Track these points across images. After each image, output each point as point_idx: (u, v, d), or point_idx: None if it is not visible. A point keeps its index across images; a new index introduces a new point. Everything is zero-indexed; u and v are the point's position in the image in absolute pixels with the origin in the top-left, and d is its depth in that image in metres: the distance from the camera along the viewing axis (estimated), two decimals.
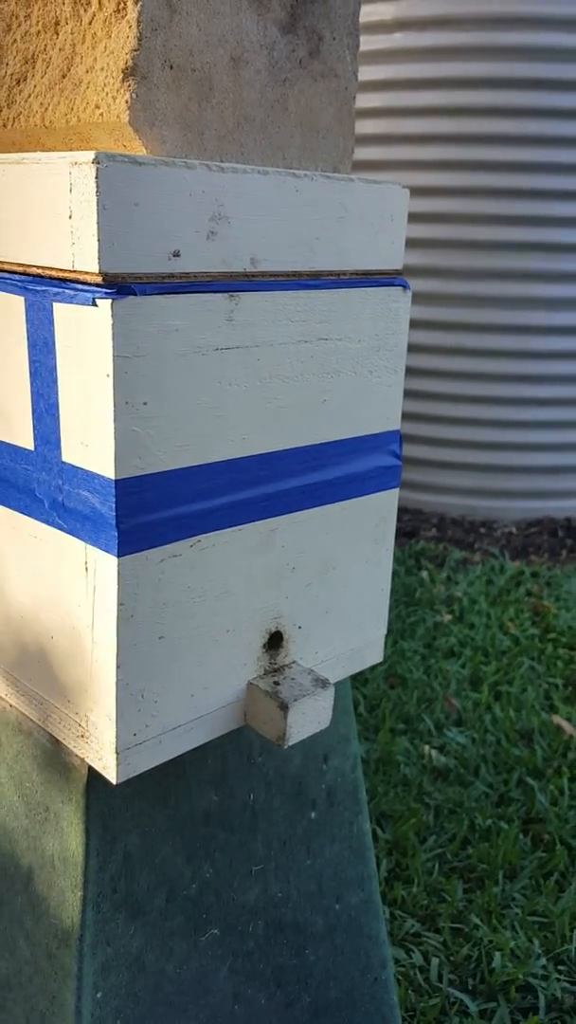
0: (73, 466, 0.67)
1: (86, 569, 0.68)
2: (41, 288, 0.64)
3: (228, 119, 0.70)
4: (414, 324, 2.84)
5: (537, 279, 2.87)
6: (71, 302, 0.62)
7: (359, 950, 0.99)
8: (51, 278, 0.64)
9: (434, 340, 2.92)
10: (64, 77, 0.68)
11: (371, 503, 0.85)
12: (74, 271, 0.62)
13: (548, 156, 2.73)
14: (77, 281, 0.62)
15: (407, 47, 2.73)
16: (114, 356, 0.61)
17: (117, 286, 0.61)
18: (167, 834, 0.80)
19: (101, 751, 0.71)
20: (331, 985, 0.96)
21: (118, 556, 0.65)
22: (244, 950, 0.88)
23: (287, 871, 0.91)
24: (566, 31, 2.62)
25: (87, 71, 0.66)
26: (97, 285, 0.61)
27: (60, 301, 0.63)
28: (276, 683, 0.78)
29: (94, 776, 0.74)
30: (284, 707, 0.75)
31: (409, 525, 3.05)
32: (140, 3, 0.63)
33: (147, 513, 0.66)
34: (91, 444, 0.65)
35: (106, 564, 0.66)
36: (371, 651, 0.90)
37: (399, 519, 3.08)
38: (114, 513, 0.64)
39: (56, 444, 0.67)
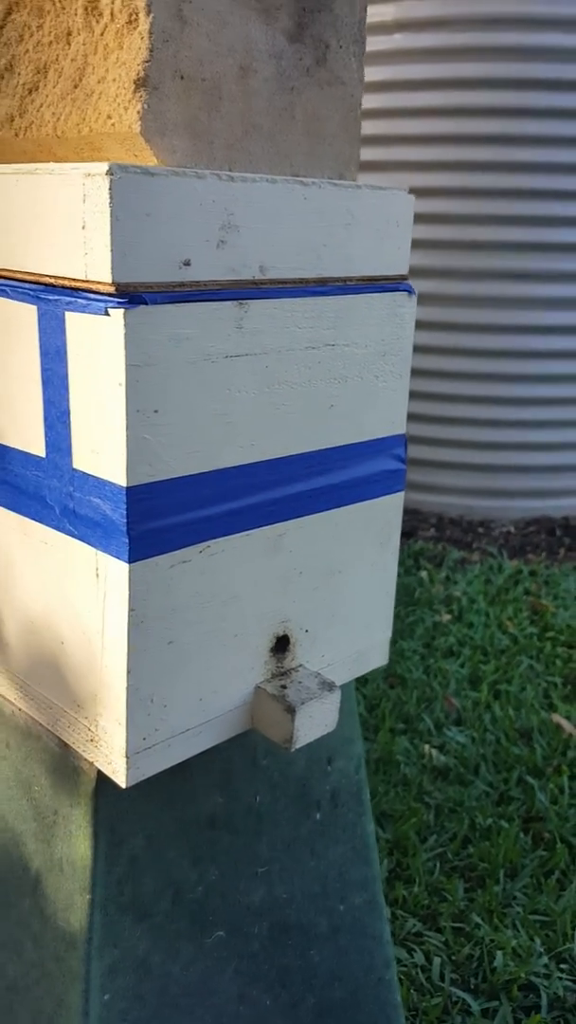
0: (84, 473, 0.67)
1: (96, 575, 0.68)
2: (53, 297, 0.65)
3: (236, 128, 0.71)
4: None
5: (535, 279, 2.87)
6: (83, 311, 0.63)
7: (363, 951, 1.00)
8: (63, 287, 0.65)
9: (432, 340, 2.93)
10: (76, 87, 0.69)
11: (376, 507, 0.85)
12: (87, 280, 0.62)
13: (547, 156, 2.73)
14: (89, 290, 0.63)
15: (406, 48, 2.73)
16: (126, 365, 0.62)
17: (129, 295, 0.61)
18: (173, 837, 0.80)
19: (111, 755, 0.71)
20: (335, 986, 0.97)
21: (129, 562, 0.66)
22: (249, 951, 0.88)
23: (291, 873, 0.91)
24: (564, 31, 2.63)
25: (99, 81, 0.67)
26: (109, 294, 0.61)
27: (72, 310, 0.64)
28: (283, 686, 0.79)
29: (102, 780, 0.75)
30: (291, 710, 0.76)
31: (407, 525, 3.06)
32: (152, 15, 0.63)
33: (157, 519, 0.67)
34: (102, 451, 0.65)
35: (117, 570, 0.67)
36: (376, 654, 0.91)
37: None
38: (125, 520, 0.65)
39: (67, 451, 0.68)
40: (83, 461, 0.67)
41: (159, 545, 0.68)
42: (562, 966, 1.44)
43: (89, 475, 0.67)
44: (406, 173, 2.85)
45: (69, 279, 0.64)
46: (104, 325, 0.62)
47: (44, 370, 0.68)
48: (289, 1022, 0.92)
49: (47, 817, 0.79)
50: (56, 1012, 0.78)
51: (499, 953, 1.43)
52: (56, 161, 0.73)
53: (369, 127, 2.82)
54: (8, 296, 0.69)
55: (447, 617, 2.49)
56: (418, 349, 2.90)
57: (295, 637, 0.81)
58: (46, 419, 0.69)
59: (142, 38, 0.64)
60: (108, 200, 0.59)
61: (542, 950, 1.46)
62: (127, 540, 0.65)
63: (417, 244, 2.82)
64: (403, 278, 0.82)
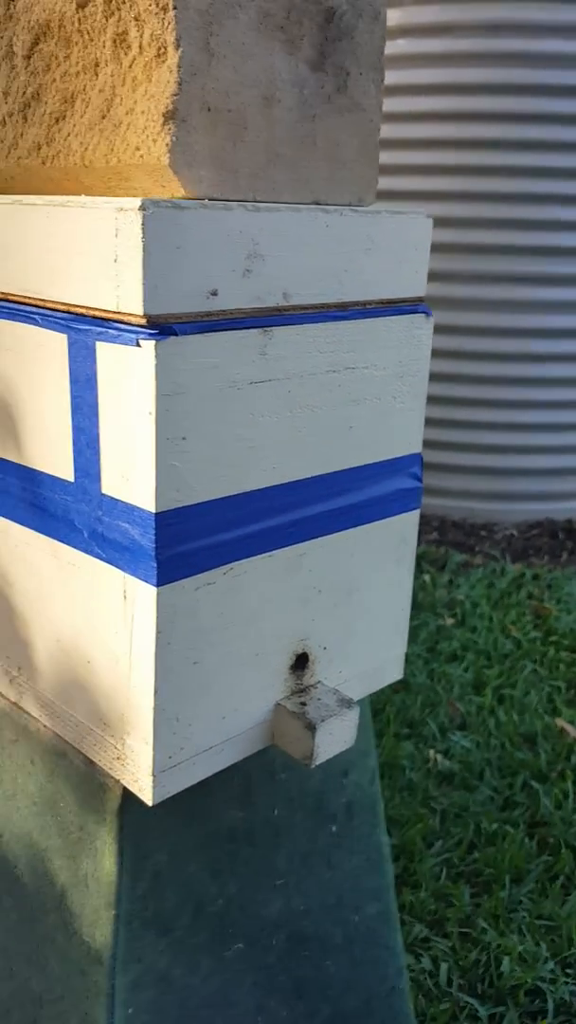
0: (113, 498, 0.68)
1: (124, 597, 0.70)
2: (84, 327, 0.66)
3: (260, 156, 0.72)
4: None
5: (538, 282, 2.89)
6: (114, 342, 0.64)
7: (376, 960, 1.01)
8: (94, 317, 0.66)
9: (434, 343, 2.94)
10: (104, 118, 0.70)
11: (393, 525, 0.87)
12: (118, 312, 0.63)
13: (550, 161, 2.75)
14: (120, 321, 0.64)
15: (410, 53, 2.74)
16: (156, 395, 0.63)
17: (160, 327, 0.63)
18: (194, 851, 0.82)
19: (137, 773, 0.72)
20: (349, 995, 0.99)
21: (156, 586, 0.67)
22: (266, 963, 0.90)
23: (308, 884, 0.93)
24: (567, 37, 2.64)
25: (127, 113, 0.68)
26: (140, 326, 0.63)
27: (103, 340, 0.65)
28: (303, 703, 0.80)
29: (127, 796, 0.76)
30: (311, 728, 0.77)
31: None
32: (181, 49, 0.64)
33: (184, 543, 0.68)
34: (131, 478, 0.66)
35: (144, 594, 0.68)
36: (392, 668, 0.92)
37: None
38: (153, 545, 0.66)
39: (96, 477, 0.69)
40: (112, 487, 0.68)
41: (185, 568, 0.69)
42: (568, 971, 1.46)
43: (118, 500, 0.68)
44: (408, 176, 2.87)
45: (100, 310, 0.65)
46: (135, 355, 0.63)
47: (74, 397, 0.69)
48: None
49: (72, 833, 0.80)
50: None
51: (505, 959, 1.45)
52: (83, 189, 0.74)
53: None
54: (38, 324, 0.70)
55: (450, 621, 2.51)
56: None
57: (314, 654, 0.82)
58: (75, 445, 0.70)
59: (171, 72, 0.65)
60: (140, 235, 0.60)
61: (548, 955, 1.47)
62: (155, 564, 0.67)
63: None
64: (420, 300, 0.83)
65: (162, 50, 0.65)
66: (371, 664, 0.89)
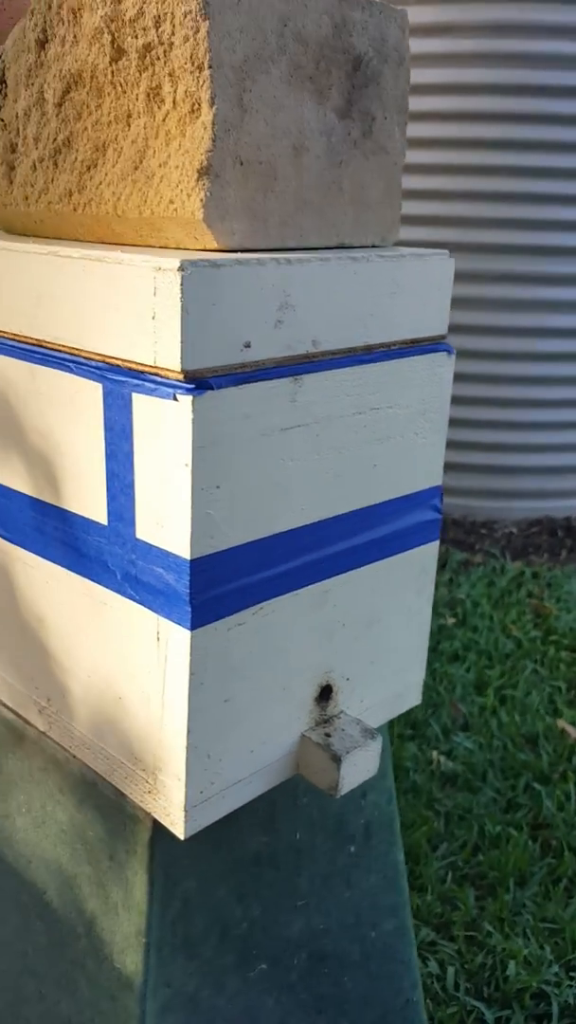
0: (147, 543, 0.70)
1: (157, 639, 0.71)
2: (120, 378, 0.68)
3: (289, 205, 0.73)
4: None
5: (538, 282, 2.90)
6: (151, 395, 0.65)
7: (392, 975, 1.03)
8: (130, 369, 0.67)
9: None
10: (136, 169, 0.71)
11: (414, 556, 0.88)
12: (155, 367, 0.65)
13: (551, 161, 2.75)
14: (157, 375, 0.65)
15: (412, 53, 2.74)
16: (193, 447, 0.64)
17: (196, 381, 0.64)
18: (221, 876, 0.84)
19: (169, 808, 0.74)
20: (366, 1010, 1.01)
21: (191, 630, 0.69)
22: (288, 981, 0.92)
23: (328, 904, 0.95)
24: (570, 39, 2.64)
25: (160, 165, 0.69)
26: (177, 381, 0.64)
27: (140, 392, 0.66)
28: (327, 734, 0.82)
29: (157, 826, 0.78)
30: (337, 759, 0.79)
31: None
32: (215, 107, 0.66)
33: (217, 587, 0.70)
34: (166, 525, 0.68)
35: (178, 636, 0.69)
36: (411, 694, 0.94)
37: None
38: (188, 590, 0.68)
39: (130, 521, 0.71)
40: (146, 532, 0.70)
41: (218, 611, 0.71)
42: (572, 974, 1.48)
43: (152, 546, 0.70)
44: (409, 175, 2.87)
45: (137, 363, 0.66)
46: (171, 409, 0.64)
47: (108, 444, 0.70)
48: None
49: (101, 862, 0.82)
50: None
51: (511, 962, 1.47)
52: (114, 236, 0.76)
53: None
54: (72, 372, 0.71)
55: (451, 621, 2.53)
56: None
57: (337, 685, 0.84)
58: (109, 490, 0.72)
59: (205, 128, 0.66)
60: (179, 295, 0.61)
61: (552, 958, 1.50)
62: (189, 609, 0.68)
63: (419, 245, 2.84)
64: (442, 338, 0.85)
65: (196, 106, 0.66)
66: (391, 691, 0.91)
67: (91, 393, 0.71)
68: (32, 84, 0.77)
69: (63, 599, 0.79)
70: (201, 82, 0.65)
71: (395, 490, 0.84)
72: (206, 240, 0.69)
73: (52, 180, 0.77)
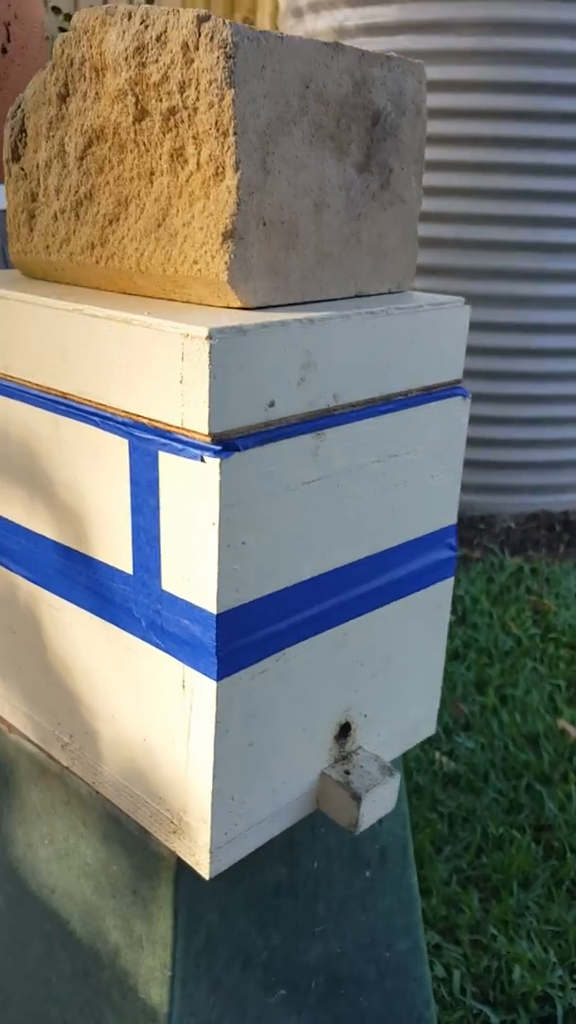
0: (173, 595, 0.71)
1: (183, 687, 0.73)
2: (147, 436, 0.69)
3: (309, 259, 0.74)
4: None
5: (535, 278, 2.91)
6: (178, 454, 0.67)
7: (406, 992, 1.06)
8: (157, 428, 0.68)
9: None
10: (159, 226, 0.72)
11: (430, 594, 0.90)
12: (182, 428, 0.66)
13: (550, 158, 2.76)
14: (184, 436, 0.67)
15: (409, 49, 2.74)
16: (220, 506, 0.66)
17: (223, 443, 0.65)
18: (242, 909, 0.86)
19: (194, 848, 0.76)
20: None
21: (217, 680, 0.70)
22: (307, 1004, 0.94)
23: (345, 928, 0.97)
24: (570, 36, 2.64)
25: (183, 225, 0.70)
26: (205, 443, 0.65)
27: (166, 451, 0.68)
28: (347, 772, 0.84)
29: (181, 863, 0.80)
30: (357, 798, 0.81)
31: None
32: (240, 172, 0.67)
33: (242, 638, 0.72)
34: (192, 579, 0.69)
35: (204, 686, 0.71)
36: (426, 725, 0.96)
37: None
38: (215, 643, 0.69)
39: (156, 573, 0.72)
40: (172, 584, 0.71)
41: (242, 661, 0.72)
42: (575, 976, 1.51)
43: (178, 598, 0.71)
44: None
45: (164, 423, 0.68)
46: (198, 469, 0.66)
47: (134, 498, 0.72)
48: None
49: (125, 896, 0.84)
50: None
51: (516, 966, 1.50)
52: (136, 289, 0.77)
53: None
54: (98, 426, 0.73)
55: (451, 618, 2.55)
56: None
57: (356, 723, 0.86)
58: (134, 541, 0.73)
59: (229, 192, 0.67)
60: (208, 363, 0.63)
61: (555, 961, 1.53)
62: (216, 660, 0.70)
63: (419, 241, 2.84)
64: (458, 382, 0.86)
65: (221, 170, 0.67)
66: (407, 723, 0.93)
67: (117, 447, 0.72)
68: (53, 136, 0.78)
69: (88, 641, 0.81)
70: (226, 148, 0.66)
71: (412, 532, 0.86)
72: (229, 298, 0.71)
73: (74, 231, 0.78)
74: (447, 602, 0.93)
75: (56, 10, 4.29)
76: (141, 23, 0.69)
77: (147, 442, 0.69)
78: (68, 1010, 0.91)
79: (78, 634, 0.82)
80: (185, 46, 0.66)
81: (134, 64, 0.69)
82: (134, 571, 0.74)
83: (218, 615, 0.69)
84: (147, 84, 0.69)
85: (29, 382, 0.79)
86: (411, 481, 0.83)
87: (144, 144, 0.72)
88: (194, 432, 0.66)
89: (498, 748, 2.04)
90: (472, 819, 1.83)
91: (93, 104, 0.74)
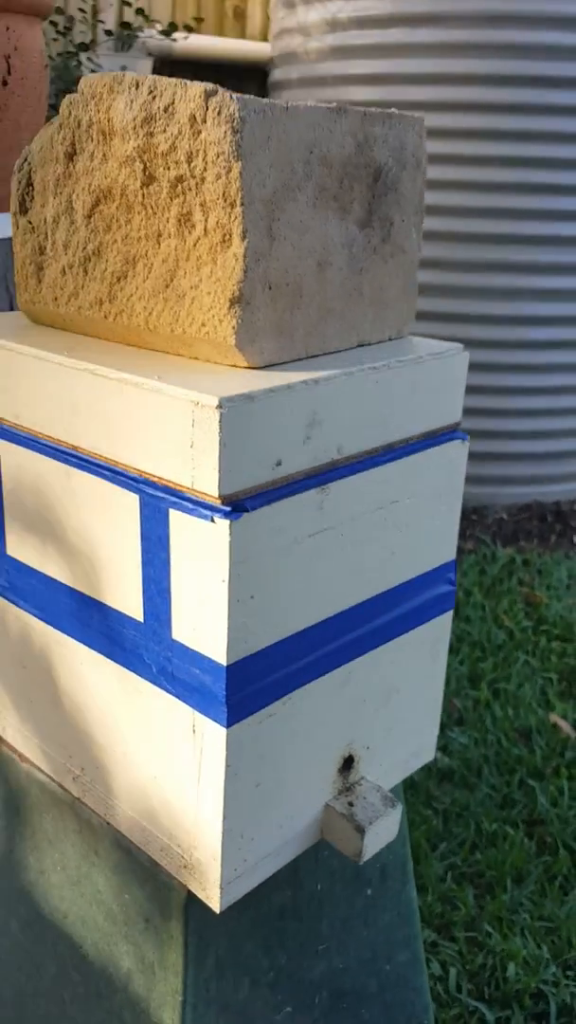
0: (183, 645, 0.74)
1: (193, 731, 0.76)
2: (158, 493, 0.71)
3: (314, 316, 0.77)
4: None
5: (526, 270, 2.92)
6: (189, 513, 0.69)
7: (406, 1002, 1.10)
8: (168, 487, 0.71)
9: (425, 331, 2.98)
10: (167, 287, 0.74)
11: (430, 628, 0.93)
12: (192, 489, 0.69)
13: (544, 151, 2.77)
14: (194, 495, 0.69)
15: (402, 43, 2.74)
16: (230, 564, 0.68)
17: (232, 503, 0.68)
18: (249, 933, 0.89)
19: (204, 883, 0.79)
20: None
21: (227, 727, 0.73)
22: (312, 1019, 0.98)
23: (347, 945, 1.01)
24: (563, 29, 2.65)
25: (191, 287, 0.72)
26: (214, 504, 0.68)
27: (176, 509, 0.70)
28: (350, 803, 0.87)
29: (191, 894, 0.83)
30: (361, 830, 0.84)
31: None
32: (247, 240, 0.69)
33: (250, 685, 0.74)
34: (202, 630, 0.72)
35: (214, 732, 0.74)
36: (425, 752, 0.99)
37: None
38: (224, 692, 0.72)
39: (166, 623, 0.75)
40: (182, 634, 0.74)
41: (250, 707, 0.75)
42: (568, 973, 1.56)
43: (188, 648, 0.74)
44: None
45: (174, 483, 0.70)
46: (208, 528, 0.68)
47: (145, 551, 0.74)
48: None
49: (137, 923, 0.87)
50: None
51: (511, 963, 1.54)
52: (144, 344, 0.79)
53: None
54: (109, 480, 0.75)
55: None
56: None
57: (359, 755, 0.89)
58: (145, 591, 0.76)
59: (236, 259, 0.69)
60: (218, 430, 0.65)
61: (549, 958, 1.57)
62: (226, 708, 0.73)
63: None
64: (457, 425, 0.88)
65: (227, 237, 0.69)
66: (408, 752, 0.96)
67: (128, 502, 0.74)
68: (60, 193, 0.80)
69: (99, 682, 0.83)
70: (233, 217, 0.68)
71: (413, 571, 0.88)
72: (236, 359, 0.73)
73: (82, 286, 0.80)
74: (446, 633, 0.95)
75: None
76: (149, 93, 0.70)
77: (158, 499, 0.72)
78: None
79: (89, 674, 0.84)
80: (193, 119, 0.68)
81: (142, 133, 0.71)
82: (145, 619, 0.77)
83: (228, 666, 0.72)
84: (155, 152, 0.71)
85: (40, 433, 0.81)
86: (412, 523, 0.86)
87: (152, 207, 0.74)
88: (204, 494, 0.68)
89: (491, 743, 2.08)
90: (466, 815, 1.87)
91: (101, 165, 0.76)
